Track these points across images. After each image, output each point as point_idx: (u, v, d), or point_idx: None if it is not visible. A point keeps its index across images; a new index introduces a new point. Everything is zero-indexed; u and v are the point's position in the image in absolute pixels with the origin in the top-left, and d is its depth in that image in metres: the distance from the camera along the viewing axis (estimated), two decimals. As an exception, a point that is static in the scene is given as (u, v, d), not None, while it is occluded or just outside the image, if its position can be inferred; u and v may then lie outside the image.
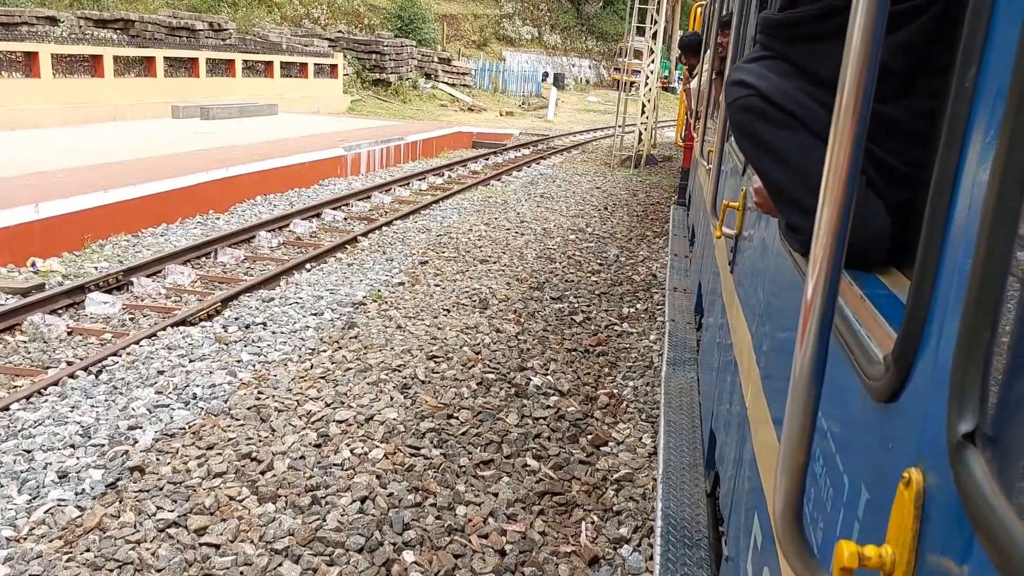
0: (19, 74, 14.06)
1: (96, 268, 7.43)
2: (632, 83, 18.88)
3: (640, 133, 17.44)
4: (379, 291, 6.85)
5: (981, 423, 0.62)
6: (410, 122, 21.60)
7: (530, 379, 5.09)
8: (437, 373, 4.90)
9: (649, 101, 17.27)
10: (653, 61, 16.99)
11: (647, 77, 17.24)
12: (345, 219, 10.61)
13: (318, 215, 10.56)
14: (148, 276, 7.30)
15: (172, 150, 12.18)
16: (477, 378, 4.92)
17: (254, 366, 5.01)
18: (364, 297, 6.66)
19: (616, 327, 6.52)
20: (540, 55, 41.22)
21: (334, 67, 25.03)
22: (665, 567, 2.67)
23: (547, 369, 5.36)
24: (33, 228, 7.42)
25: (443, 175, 14.74)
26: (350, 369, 4.84)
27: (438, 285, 7.01)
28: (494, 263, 7.93)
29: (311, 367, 4.91)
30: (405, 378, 4.78)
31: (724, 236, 2.75)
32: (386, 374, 4.80)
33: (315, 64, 23.98)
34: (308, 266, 7.91)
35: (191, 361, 5.07)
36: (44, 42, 14.73)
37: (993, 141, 0.63)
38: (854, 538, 0.94)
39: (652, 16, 16.65)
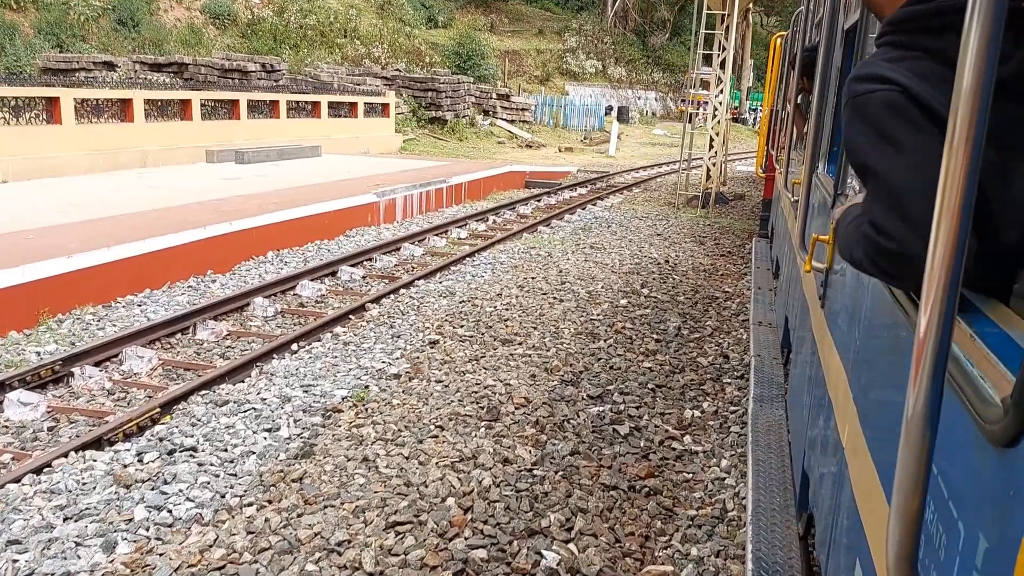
0: (41, 121, 13.30)
1: (39, 353, 6.15)
2: (698, 114, 17.12)
3: (708, 169, 15.64)
4: (365, 388, 5.31)
5: None
6: (459, 161, 20.29)
7: (541, 555, 3.43)
8: (395, 555, 3.27)
9: (718, 134, 15.50)
10: (722, 91, 15.25)
11: (715, 108, 15.49)
12: (363, 278, 9.20)
13: (333, 273, 9.18)
14: (96, 364, 5.97)
15: (183, 200, 11.05)
16: (457, 561, 3.28)
17: (145, 530, 3.51)
18: (343, 399, 5.13)
19: (674, 443, 4.80)
20: (604, 88, 39.77)
21: (386, 106, 24.08)
22: None
23: (570, 529, 3.69)
24: (-33, 306, 6.21)
25: (487, 220, 13.27)
26: (266, 549, 3.27)
27: (440, 381, 5.41)
28: (519, 344, 6.30)
29: (216, 538, 3.36)
30: (343, 567, 3.17)
31: (813, 271, 2.60)
32: (315, 560, 3.20)
33: (365, 103, 23.05)
34: (294, 347, 6.47)
35: (65, 520, 3.60)
36: (68, 86, 14.00)
37: None
38: None
39: (720, 43, 14.96)
